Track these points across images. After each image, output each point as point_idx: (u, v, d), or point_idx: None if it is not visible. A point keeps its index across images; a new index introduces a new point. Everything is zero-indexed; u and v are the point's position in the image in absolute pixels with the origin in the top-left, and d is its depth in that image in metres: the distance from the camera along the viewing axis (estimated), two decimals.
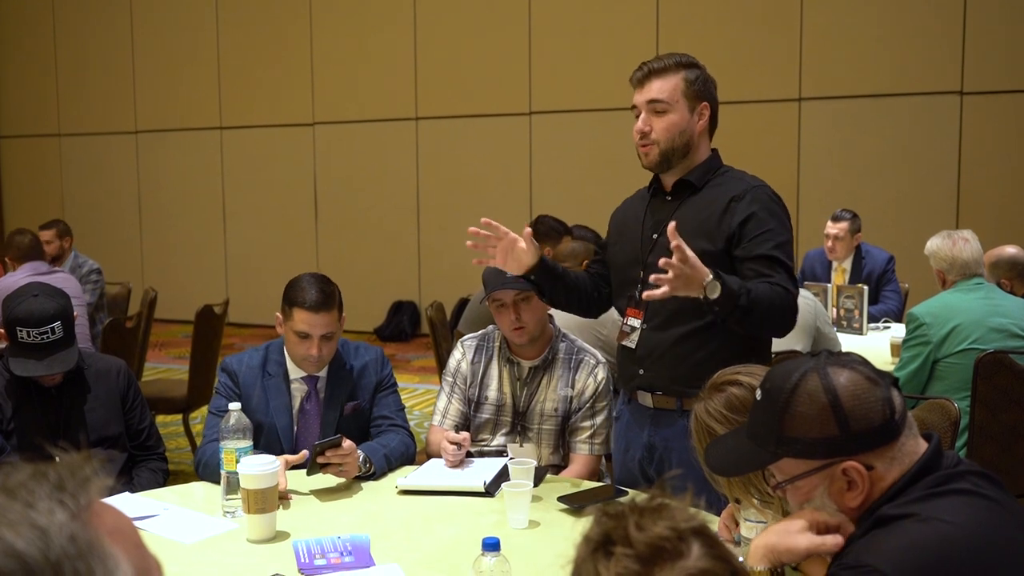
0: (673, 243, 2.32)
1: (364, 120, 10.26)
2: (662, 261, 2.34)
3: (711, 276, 2.35)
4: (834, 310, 5.30)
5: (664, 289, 2.33)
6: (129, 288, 6.98)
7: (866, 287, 5.29)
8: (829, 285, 5.42)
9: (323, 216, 10.61)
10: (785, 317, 2.53)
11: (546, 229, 5.16)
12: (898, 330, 4.75)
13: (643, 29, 8.86)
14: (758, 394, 1.61)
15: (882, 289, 5.85)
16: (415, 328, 10.16)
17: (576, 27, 9.20)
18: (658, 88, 2.65)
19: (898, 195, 8.12)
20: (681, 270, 2.31)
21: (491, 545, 1.93)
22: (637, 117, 2.68)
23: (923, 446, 1.54)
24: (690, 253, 2.33)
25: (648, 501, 1.06)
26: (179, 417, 5.61)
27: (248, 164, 10.91)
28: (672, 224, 2.35)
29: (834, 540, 1.53)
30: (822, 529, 1.54)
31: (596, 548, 1.03)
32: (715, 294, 2.37)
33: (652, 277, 2.36)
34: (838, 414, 1.50)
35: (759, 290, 2.45)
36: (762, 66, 8.54)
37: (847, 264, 6.01)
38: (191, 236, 11.28)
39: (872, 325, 5.40)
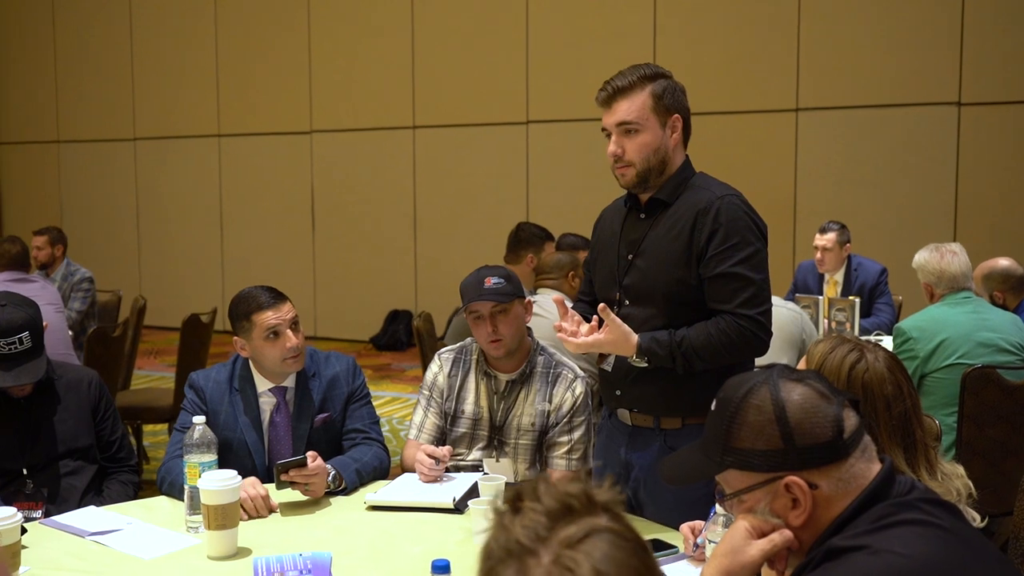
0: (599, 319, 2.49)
1: (361, 128, 10.24)
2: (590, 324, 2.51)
3: (635, 354, 2.49)
4: (825, 322, 5.25)
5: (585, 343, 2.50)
6: (120, 296, 6.96)
7: (858, 300, 5.25)
8: (821, 297, 5.38)
9: (320, 224, 10.58)
10: (736, 351, 2.48)
11: (528, 236, 5.11)
12: (890, 343, 4.69)
13: (640, 39, 8.83)
14: (713, 404, 1.58)
15: (875, 302, 5.80)
16: (411, 337, 10.10)
17: (573, 37, 9.17)
18: (626, 109, 2.55)
19: (895, 206, 8.07)
20: (600, 343, 2.49)
21: (441, 568, 1.88)
22: (608, 138, 2.60)
23: (876, 471, 1.49)
24: (611, 333, 2.46)
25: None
26: (165, 427, 5.57)
27: (246, 172, 10.89)
28: (601, 305, 2.48)
29: (782, 536, 1.49)
30: (762, 533, 1.50)
31: (505, 509, 1.03)
32: (642, 365, 2.51)
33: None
34: (783, 427, 1.47)
35: (695, 342, 2.48)
36: (759, 76, 8.50)
37: (839, 276, 5.97)
38: (188, 243, 11.27)
39: (864, 338, 5.33)
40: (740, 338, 2.47)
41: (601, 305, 2.47)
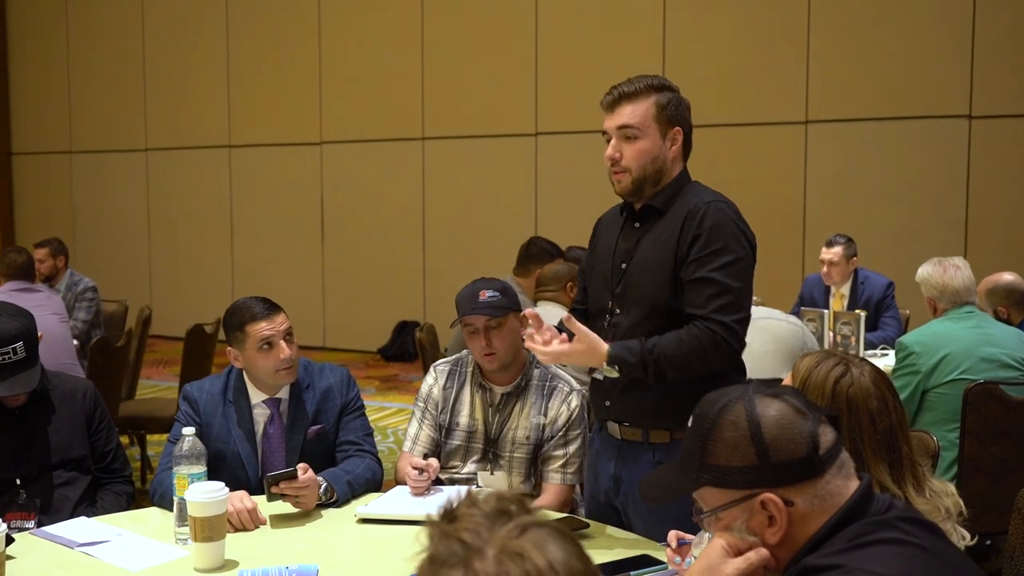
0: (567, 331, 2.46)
1: (371, 140, 10.27)
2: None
3: (605, 364, 2.44)
4: (831, 335, 5.22)
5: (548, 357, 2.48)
6: (127, 306, 6.98)
7: (864, 313, 5.21)
8: (826, 311, 5.34)
9: (329, 235, 10.60)
10: (707, 358, 2.43)
11: (538, 251, 5.12)
12: (894, 358, 4.66)
13: (649, 51, 8.82)
14: (690, 419, 1.57)
15: (881, 315, 5.76)
16: None
17: (582, 48, 9.17)
18: (628, 113, 2.55)
19: (905, 219, 8.02)
20: (566, 353, 2.45)
21: None
22: (608, 143, 2.60)
23: (853, 488, 1.47)
24: (580, 342, 2.43)
25: None
26: (167, 437, 5.57)
27: (256, 182, 10.93)
28: (566, 315, 2.43)
29: (758, 555, 1.47)
30: (739, 551, 1.49)
31: (439, 519, 1.06)
32: (614, 375, 2.46)
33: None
34: (758, 443, 1.45)
35: (666, 349, 2.43)
36: (769, 88, 8.48)
37: (845, 290, 5.93)
38: (198, 253, 11.31)
39: (870, 352, 5.31)
40: (712, 344, 2.42)
41: (566, 315, 2.43)
